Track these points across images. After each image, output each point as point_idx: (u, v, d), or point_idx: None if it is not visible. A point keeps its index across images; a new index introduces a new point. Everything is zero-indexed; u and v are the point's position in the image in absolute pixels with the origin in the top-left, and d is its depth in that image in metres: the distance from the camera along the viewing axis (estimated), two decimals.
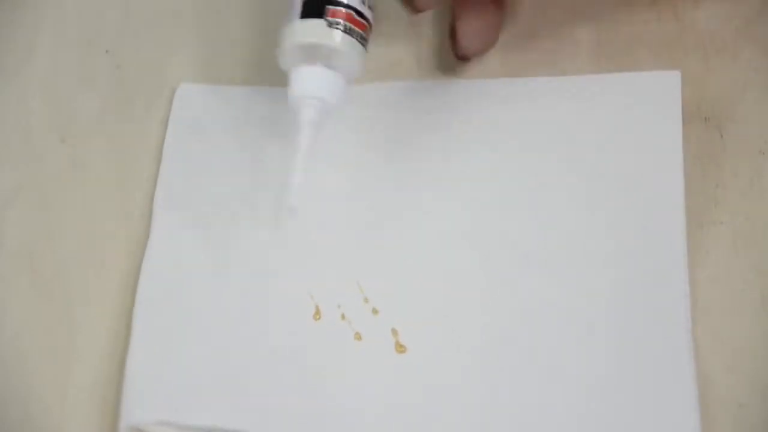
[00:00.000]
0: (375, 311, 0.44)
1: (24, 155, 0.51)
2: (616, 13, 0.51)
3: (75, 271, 0.47)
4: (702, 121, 0.48)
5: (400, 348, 0.43)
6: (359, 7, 0.44)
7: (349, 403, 0.42)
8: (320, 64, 0.44)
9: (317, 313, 0.44)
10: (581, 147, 0.47)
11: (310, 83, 0.44)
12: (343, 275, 0.45)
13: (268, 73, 0.51)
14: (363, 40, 0.45)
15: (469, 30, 0.48)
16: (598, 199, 0.45)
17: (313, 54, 0.44)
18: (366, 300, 0.45)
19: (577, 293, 0.44)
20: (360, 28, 0.44)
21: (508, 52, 0.50)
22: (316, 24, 0.44)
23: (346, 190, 0.48)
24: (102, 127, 0.51)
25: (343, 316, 0.44)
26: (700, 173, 0.46)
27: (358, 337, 0.44)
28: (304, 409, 0.42)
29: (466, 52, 0.49)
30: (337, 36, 0.44)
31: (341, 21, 0.44)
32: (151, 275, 0.46)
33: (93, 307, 0.46)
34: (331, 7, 0.44)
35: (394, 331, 0.44)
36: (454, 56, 0.49)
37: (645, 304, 0.43)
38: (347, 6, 0.44)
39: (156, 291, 0.46)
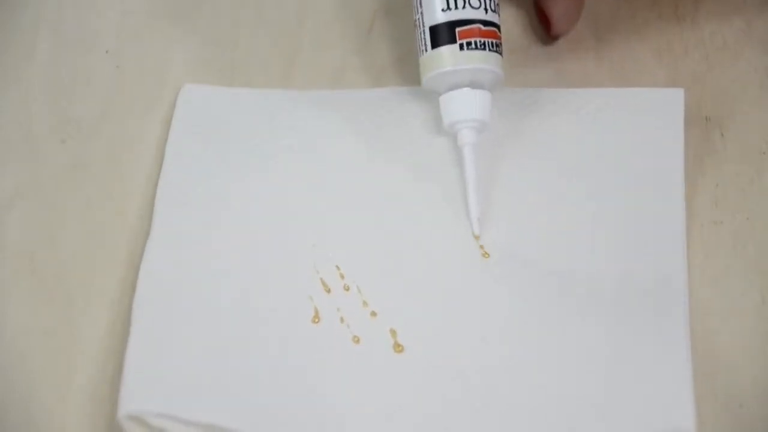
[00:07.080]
0: (373, 314, 0.44)
1: (24, 156, 0.51)
2: (617, 12, 0.51)
3: (75, 272, 0.47)
4: (702, 120, 0.48)
5: (398, 348, 0.43)
6: (486, 18, 0.45)
7: (347, 404, 0.42)
8: (466, 87, 0.45)
9: (316, 317, 0.44)
10: (583, 156, 0.47)
11: (462, 107, 0.46)
12: (342, 279, 0.45)
13: (269, 75, 0.52)
14: (497, 47, 0.46)
15: (561, 12, 0.50)
16: (599, 202, 0.46)
17: (455, 78, 0.45)
18: (365, 303, 0.45)
19: (577, 293, 0.44)
20: (492, 37, 0.46)
21: (508, 51, 0.51)
22: (450, 50, 0.45)
23: (347, 195, 0.48)
24: (102, 127, 0.51)
25: (341, 320, 0.44)
26: (701, 173, 0.46)
27: (356, 340, 0.44)
28: (302, 411, 0.42)
29: (559, 32, 0.51)
30: (474, 56, 0.45)
31: (473, 40, 0.45)
32: (151, 275, 0.46)
33: (94, 307, 0.46)
34: (460, 29, 0.45)
35: (393, 332, 0.44)
36: (546, 35, 0.51)
37: (645, 304, 0.43)
38: (473, 22, 0.45)
39: (155, 290, 0.45)
